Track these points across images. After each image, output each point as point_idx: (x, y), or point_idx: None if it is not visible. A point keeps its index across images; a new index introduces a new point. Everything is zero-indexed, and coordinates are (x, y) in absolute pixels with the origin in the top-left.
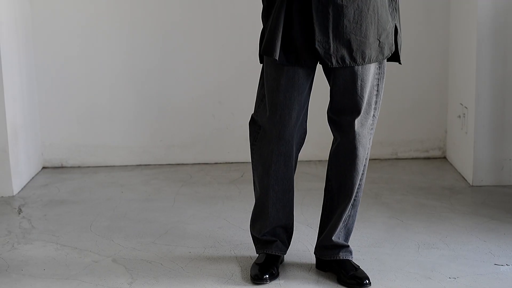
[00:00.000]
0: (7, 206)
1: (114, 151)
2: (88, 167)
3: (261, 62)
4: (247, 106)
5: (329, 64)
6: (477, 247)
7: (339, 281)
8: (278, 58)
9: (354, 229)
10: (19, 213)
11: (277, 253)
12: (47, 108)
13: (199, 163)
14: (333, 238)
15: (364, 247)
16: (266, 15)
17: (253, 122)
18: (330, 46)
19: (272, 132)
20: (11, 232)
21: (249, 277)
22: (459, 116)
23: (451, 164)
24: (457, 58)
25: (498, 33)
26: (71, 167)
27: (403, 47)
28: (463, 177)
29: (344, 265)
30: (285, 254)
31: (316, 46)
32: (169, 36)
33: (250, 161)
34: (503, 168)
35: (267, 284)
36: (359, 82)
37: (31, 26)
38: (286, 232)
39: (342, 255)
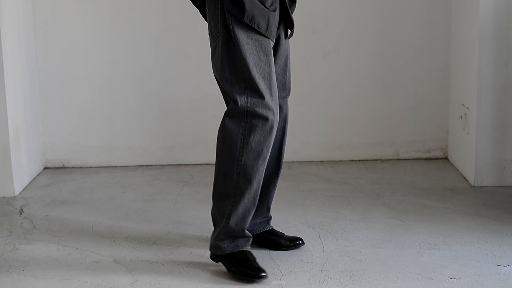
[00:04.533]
0: (8, 207)
1: (115, 151)
2: (90, 167)
3: (227, 37)
4: None
5: (291, 32)
6: (479, 248)
7: (280, 248)
8: (268, 33)
9: (355, 229)
10: (21, 214)
11: (249, 249)
12: (48, 108)
13: (200, 164)
14: (270, 210)
15: (365, 247)
16: None
17: (237, 115)
18: (290, 17)
19: (272, 113)
20: (12, 232)
21: (251, 275)
22: (461, 117)
23: (452, 165)
24: (459, 58)
25: (499, 33)
26: (72, 167)
27: (404, 47)
28: (464, 177)
29: (275, 233)
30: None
31: (292, 17)
32: (170, 37)
33: (237, 159)
34: (505, 168)
35: (267, 285)
36: (288, 59)
37: (33, 26)
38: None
39: (270, 225)
